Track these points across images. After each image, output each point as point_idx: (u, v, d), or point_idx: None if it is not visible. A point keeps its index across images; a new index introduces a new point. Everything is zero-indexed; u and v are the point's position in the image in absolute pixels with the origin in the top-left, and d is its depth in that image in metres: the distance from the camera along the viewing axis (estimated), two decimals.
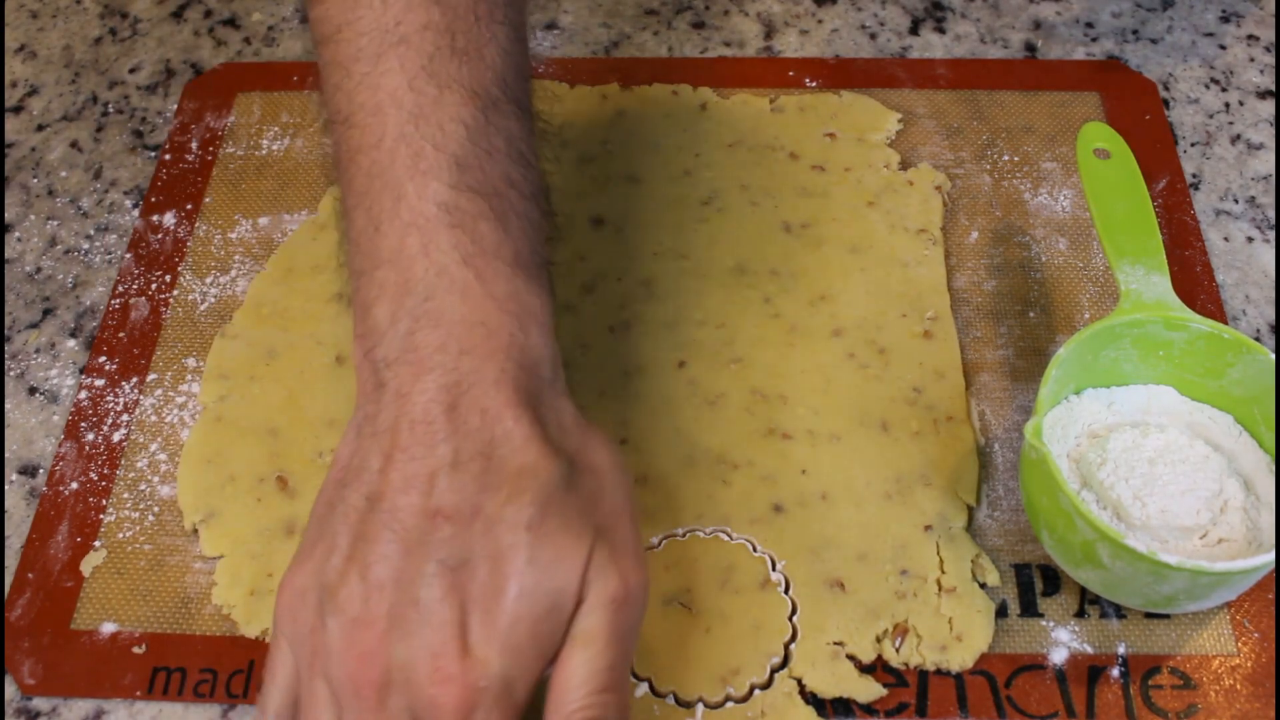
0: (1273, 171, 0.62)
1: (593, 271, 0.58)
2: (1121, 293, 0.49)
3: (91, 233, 0.62)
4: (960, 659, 0.46)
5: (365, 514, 0.38)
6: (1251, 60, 0.67)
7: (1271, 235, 0.59)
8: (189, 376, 0.56)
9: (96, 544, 0.51)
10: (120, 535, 0.51)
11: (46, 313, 0.59)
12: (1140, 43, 0.68)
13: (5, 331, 0.59)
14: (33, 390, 0.56)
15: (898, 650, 0.47)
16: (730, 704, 0.46)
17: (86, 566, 0.50)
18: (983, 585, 0.48)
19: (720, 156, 0.62)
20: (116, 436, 0.54)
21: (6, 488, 0.53)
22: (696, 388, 0.54)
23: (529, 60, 0.46)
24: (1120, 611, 0.48)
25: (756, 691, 0.46)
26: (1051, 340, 0.55)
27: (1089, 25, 0.69)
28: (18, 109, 0.68)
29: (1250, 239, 0.59)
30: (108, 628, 0.49)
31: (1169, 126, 0.64)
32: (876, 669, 0.47)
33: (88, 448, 0.54)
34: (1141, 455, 0.47)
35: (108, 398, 0.55)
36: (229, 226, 0.61)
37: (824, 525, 0.50)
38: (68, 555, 0.51)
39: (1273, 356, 0.47)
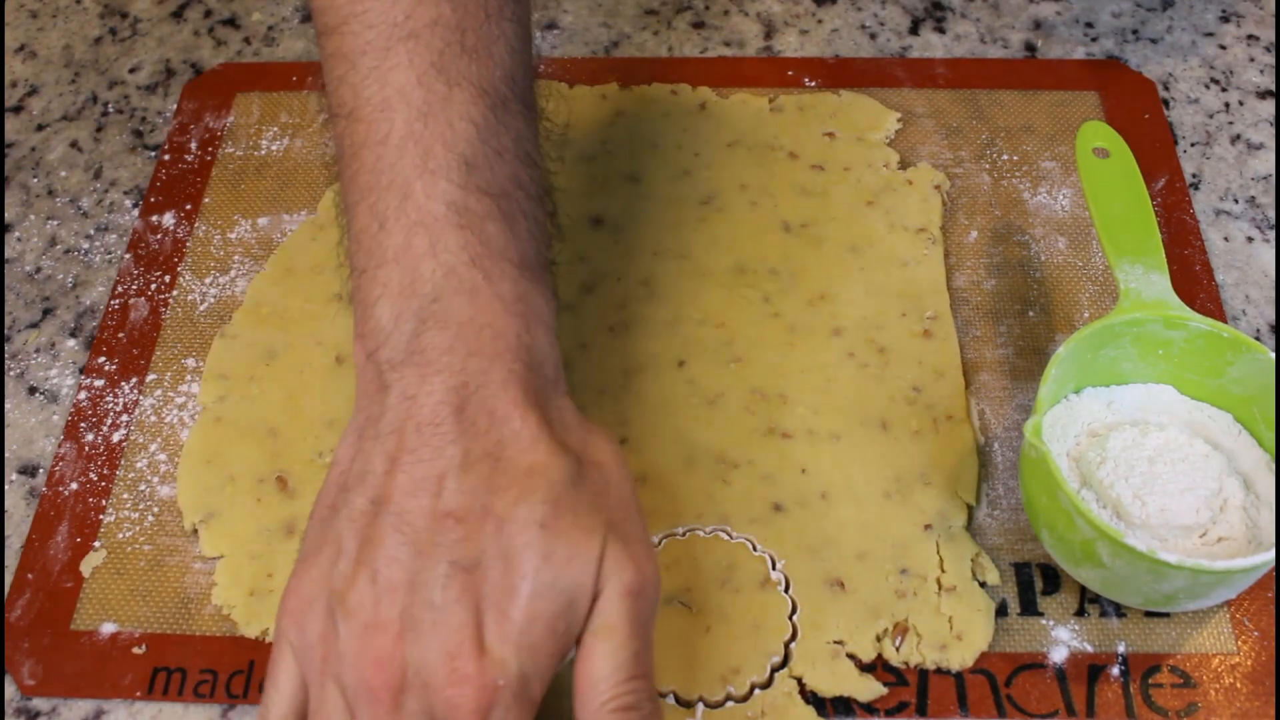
0: (1273, 171, 0.62)
1: (593, 271, 0.58)
2: (1121, 292, 0.49)
3: (91, 233, 0.62)
4: (960, 658, 0.46)
5: (372, 518, 0.38)
6: (1251, 60, 0.67)
7: (1271, 235, 0.59)
8: (189, 377, 0.56)
9: (96, 544, 0.51)
10: (120, 535, 0.51)
11: (46, 313, 0.59)
12: (1140, 42, 0.68)
13: (5, 331, 0.59)
14: (33, 390, 0.56)
15: (898, 649, 0.47)
16: (730, 703, 0.46)
17: (86, 567, 0.50)
18: (983, 584, 0.48)
19: (720, 156, 0.62)
20: (116, 437, 0.54)
21: (6, 488, 0.53)
22: (696, 387, 0.54)
23: (534, 58, 0.46)
24: (1120, 610, 0.48)
25: (757, 691, 0.46)
26: (1051, 339, 0.55)
27: (1089, 25, 0.69)
28: (18, 109, 0.68)
29: (1250, 239, 0.59)
30: (108, 628, 0.49)
31: (1169, 126, 0.64)
32: (876, 668, 0.47)
33: (87, 448, 0.54)
34: (1141, 454, 0.47)
35: (107, 398, 0.55)
36: (228, 227, 0.61)
37: (824, 524, 0.50)
38: (67, 555, 0.51)
39: (1272, 355, 0.47)
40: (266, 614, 0.48)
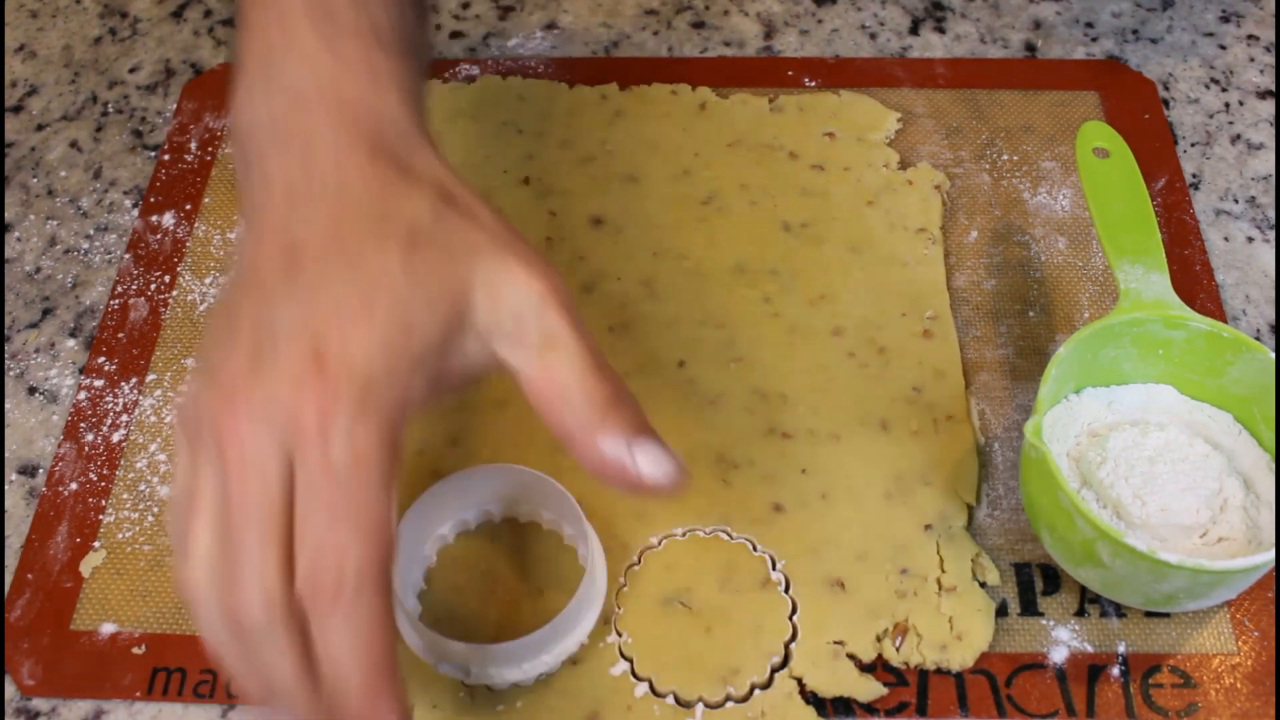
0: (1273, 171, 0.62)
1: (593, 271, 0.58)
2: (1121, 292, 0.49)
3: (91, 233, 0.62)
4: (960, 658, 0.46)
5: (236, 294, 0.39)
6: (1251, 60, 0.67)
7: (1271, 235, 0.59)
8: (189, 377, 0.56)
9: (96, 544, 0.51)
10: (120, 535, 0.51)
11: (46, 313, 0.59)
12: (1140, 43, 0.68)
13: (5, 331, 0.59)
14: (32, 390, 0.56)
15: (898, 649, 0.47)
16: (730, 704, 0.46)
17: (86, 567, 0.50)
18: (983, 584, 0.48)
19: (720, 156, 0.62)
20: (116, 437, 0.54)
21: (6, 488, 0.53)
22: (696, 387, 0.54)
23: None
24: (1120, 610, 0.48)
25: (757, 691, 0.46)
26: (1051, 339, 0.55)
27: (1089, 25, 0.69)
28: (18, 109, 0.68)
29: (1250, 239, 0.59)
30: (107, 628, 0.49)
31: (1169, 126, 0.64)
32: (877, 668, 0.47)
33: (87, 448, 0.54)
34: (1141, 454, 0.47)
35: (107, 398, 0.55)
36: (228, 227, 0.61)
37: (824, 525, 0.50)
38: (67, 556, 0.51)
39: (1272, 355, 0.47)
40: None
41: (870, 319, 0.56)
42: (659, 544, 0.49)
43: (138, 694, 0.47)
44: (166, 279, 0.59)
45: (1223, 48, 0.68)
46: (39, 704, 0.47)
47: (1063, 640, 0.47)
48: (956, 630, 0.47)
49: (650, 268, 0.58)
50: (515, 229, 0.41)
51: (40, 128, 0.67)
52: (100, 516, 0.52)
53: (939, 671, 0.47)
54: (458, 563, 0.49)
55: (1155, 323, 0.49)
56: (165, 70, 0.69)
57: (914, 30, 0.69)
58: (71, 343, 0.58)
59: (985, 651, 0.47)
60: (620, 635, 0.47)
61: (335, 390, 0.35)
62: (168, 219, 0.62)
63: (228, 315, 0.38)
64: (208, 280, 0.59)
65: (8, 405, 0.56)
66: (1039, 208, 0.60)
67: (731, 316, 0.56)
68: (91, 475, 0.53)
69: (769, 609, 0.48)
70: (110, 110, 0.68)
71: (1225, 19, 0.69)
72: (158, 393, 0.55)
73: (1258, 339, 0.55)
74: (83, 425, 0.54)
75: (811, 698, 0.46)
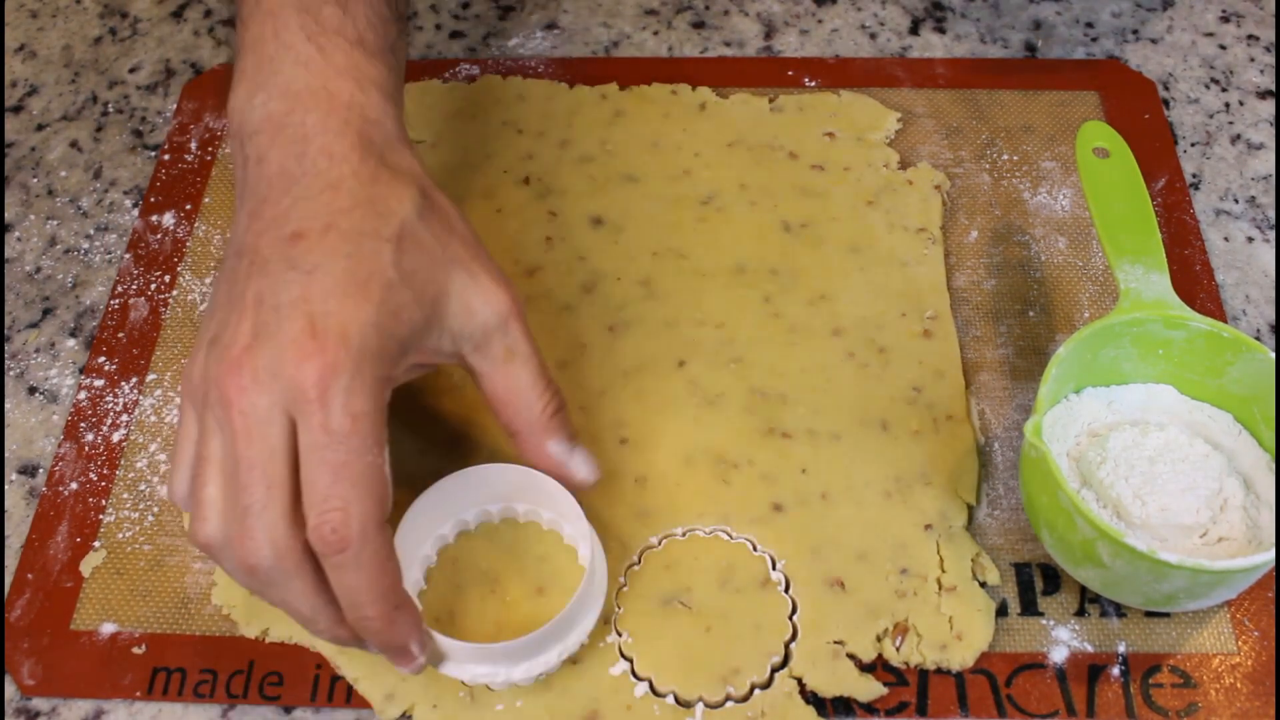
0: (1273, 171, 0.62)
1: (593, 271, 0.58)
2: (1121, 291, 0.49)
3: (91, 233, 0.62)
4: (960, 658, 0.46)
5: (239, 272, 0.42)
6: (1251, 60, 0.67)
7: (1271, 235, 0.59)
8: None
9: (96, 544, 0.51)
10: (120, 535, 0.51)
11: (46, 313, 0.59)
12: (1140, 43, 0.68)
13: (5, 331, 0.59)
14: (32, 390, 0.56)
15: (898, 649, 0.47)
16: (730, 703, 0.46)
17: (86, 567, 0.50)
18: (983, 584, 0.48)
19: (719, 156, 0.62)
20: (116, 437, 0.54)
21: (6, 488, 0.53)
22: (696, 387, 0.54)
23: None
24: (1120, 610, 0.48)
25: (757, 691, 0.46)
26: (1051, 339, 0.55)
27: (1089, 25, 0.69)
28: (18, 109, 0.68)
29: (1250, 239, 0.59)
30: (107, 628, 0.49)
31: (1169, 126, 0.64)
32: (877, 668, 0.47)
33: (87, 448, 0.54)
34: (1141, 454, 0.47)
35: (107, 398, 0.55)
36: (228, 226, 0.61)
37: (824, 524, 0.50)
38: (67, 555, 0.51)
39: (1272, 355, 0.47)
40: (267, 614, 0.48)
41: (870, 319, 0.56)
42: (659, 544, 0.49)
43: (138, 694, 0.47)
44: (166, 279, 0.59)
45: (1223, 48, 0.68)
46: (39, 704, 0.47)
47: (1063, 640, 0.47)
48: (956, 630, 0.47)
49: (650, 268, 0.58)
50: (480, 239, 0.45)
51: (40, 128, 0.67)
52: (100, 516, 0.52)
53: (939, 671, 0.47)
54: (458, 563, 0.49)
55: (1155, 323, 0.49)
56: (165, 70, 0.69)
57: (914, 30, 0.69)
58: (71, 343, 0.58)
59: (985, 651, 0.47)
60: (620, 635, 0.47)
61: (334, 359, 0.39)
62: (168, 219, 0.62)
63: (229, 291, 0.42)
64: (208, 280, 0.59)
65: (8, 405, 0.56)
66: (1039, 208, 0.60)
67: (731, 316, 0.56)
68: (91, 475, 0.53)
69: (769, 609, 0.48)
70: (110, 110, 0.68)
71: (1225, 19, 0.69)
72: (158, 392, 0.55)
73: (1258, 339, 0.55)
74: (83, 425, 0.54)
75: (811, 697, 0.46)
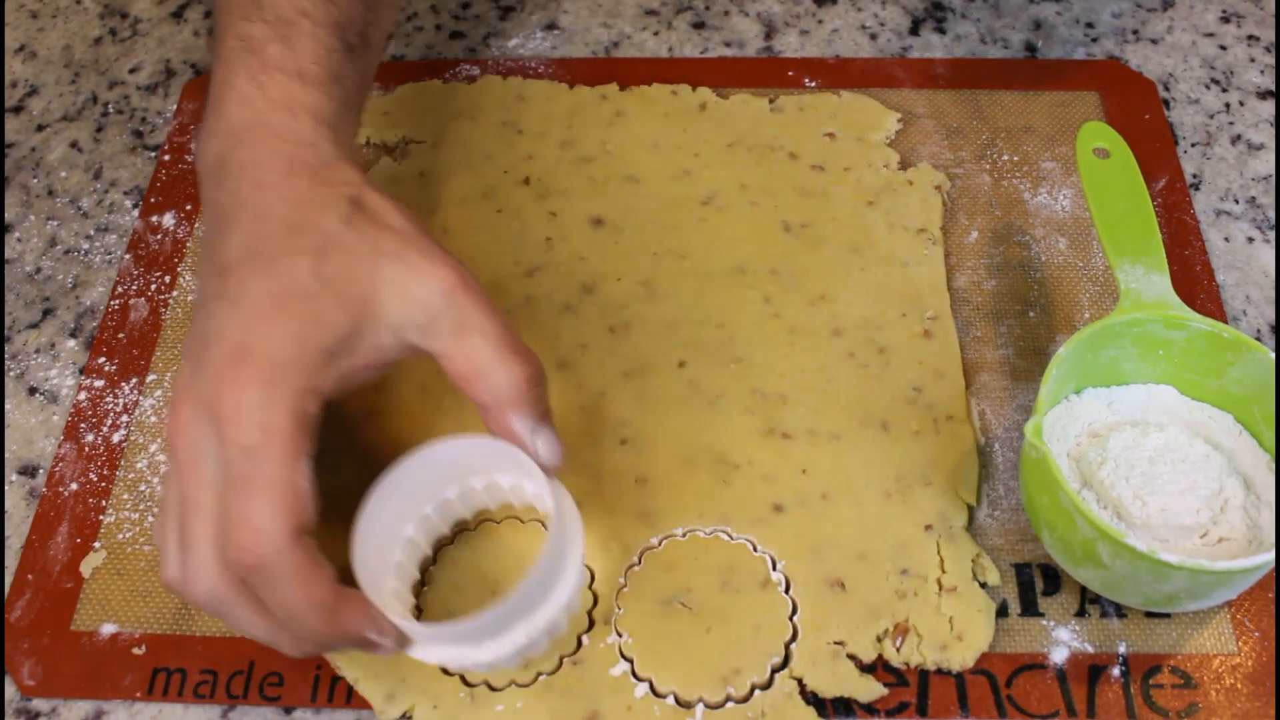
0: (1273, 172, 0.62)
1: (593, 271, 0.58)
2: (1121, 292, 0.49)
3: (91, 233, 0.62)
4: (961, 658, 0.46)
5: (193, 320, 0.44)
6: (1251, 60, 0.67)
7: (1271, 235, 0.59)
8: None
9: (96, 545, 0.51)
10: (120, 536, 0.51)
11: (46, 313, 0.59)
12: (1140, 43, 0.68)
13: (5, 331, 0.59)
14: (33, 390, 0.56)
15: (898, 650, 0.47)
16: (730, 704, 0.46)
17: (86, 567, 0.50)
18: (983, 585, 0.48)
19: (720, 156, 0.62)
20: (116, 437, 0.54)
21: (6, 488, 0.53)
22: (697, 388, 0.54)
23: None
24: (1121, 611, 0.48)
25: (757, 691, 0.46)
26: (1051, 340, 0.55)
27: (1089, 25, 0.69)
28: (18, 109, 0.68)
29: (1250, 239, 0.59)
30: (107, 629, 0.49)
31: (1169, 126, 0.64)
32: (877, 668, 0.47)
33: (87, 448, 0.54)
34: (1141, 454, 0.47)
35: (107, 398, 0.55)
36: None
37: (824, 525, 0.50)
38: (67, 556, 0.51)
39: (1273, 356, 0.47)
40: None
41: (870, 319, 0.56)
42: (659, 544, 0.49)
43: (138, 694, 0.47)
44: (167, 279, 0.59)
45: (1223, 48, 0.68)
46: (39, 704, 0.47)
47: (1063, 640, 0.47)
48: (957, 630, 0.47)
49: (650, 268, 0.58)
50: (425, 229, 0.45)
51: (40, 128, 0.67)
52: (100, 517, 0.52)
53: (939, 672, 0.47)
54: (458, 563, 0.49)
55: (1156, 323, 0.49)
56: (165, 70, 0.69)
57: (914, 30, 0.69)
58: (72, 343, 0.58)
59: (985, 652, 0.47)
60: (620, 635, 0.47)
61: (248, 377, 0.40)
62: (168, 219, 0.62)
63: (186, 340, 0.44)
64: None
65: (8, 405, 0.56)
66: (1039, 208, 0.60)
67: (731, 316, 0.56)
68: (92, 475, 0.53)
69: (769, 609, 0.48)
70: (110, 110, 0.68)
71: (1225, 19, 0.69)
72: (158, 393, 0.55)
73: (1258, 339, 0.55)
74: (83, 425, 0.54)
75: (812, 698, 0.46)
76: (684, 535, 0.50)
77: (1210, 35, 0.68)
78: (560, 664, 0.47)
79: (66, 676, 0.48)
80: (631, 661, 0.47)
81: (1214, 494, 0.46)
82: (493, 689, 0.46)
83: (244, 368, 0.40)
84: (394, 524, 0.47)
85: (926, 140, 0.63)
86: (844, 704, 0.46)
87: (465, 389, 0.44)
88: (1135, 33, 0.68)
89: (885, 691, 0.46)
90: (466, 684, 0.46)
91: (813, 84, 0.66)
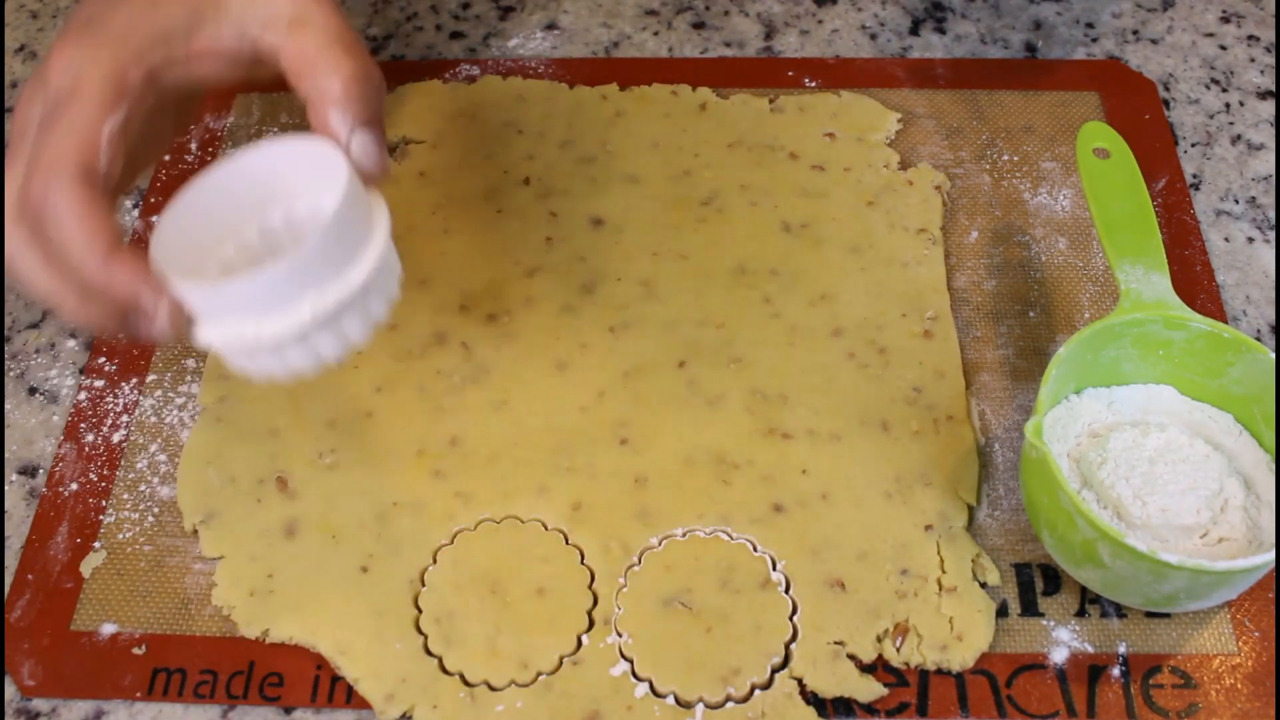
0: (1273, 172, 0.62)
1: (593, 271, 0.58)
2: (1121, 292, 0.49)
3: None
4: (961, 658, 0.46)
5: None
6: (1251, 60, 0.67)
7: (1272, 235, 0.59)
8: (189, 377, 0.56)
9: (96, 545, 0.51)
10: (120, 536, 0.51)
11: (46, 313, 0.59)
12: (1140, 43, 0.68)
13: (5, 331, 0.59)
14: (33, 390, 0.56)
15: (898, 650, 0.47)
16: (730, 704, 0.46)
17: (86, 567, 0.50)
18: (983, 585, 0.48)
19: (720, 156, 0.62)
20: (116, 437, 0.54)
21: (6, 488, 0.53)
22: (697, 388, 0.54)
23: None
24: (1121, 611, 0.48)
25: (757, 691, 0.46)
26: (1051, 340, 0.55)
27: (1089, 25, 0.69)
28: None
29: (1250, 239, 0.59)
30: (107, 629, 0.49)
31: (1169, 126, 0.64)
32: (877, 668, 0.47)
33: (87, 448, 0.54)
34: (1142, 454, 0.47)
35: (107, 398, 0.55)
36: None
37: (824, 525, 0.50)
38: (67, 556, 0.51)
39: (1273, 356, 0.47)
40: (267, 615, 0.48)
41: (870, 319, 0.56)
42: (659, 544, 0.49)
43: (138, 694, 0.47)
44: None
45: (1223, 48, 0.68)
46: (39, 704, 0.47)
47: (1063, 641, 0.47)
48: (957, 630, 0.47)
49: (650, 268, 0.58)
50: None
51: None
52: (100, 517, 0.52)
53: (939, 672, 0.47)
54: (458, 563, 0.49)
55: (1156, 323, 0.49)
56: None
57: (914, 30, 0.69)
58: (72, 343, 0.58)
59: (985, 652, 0.47)
60: (620, 635, 0.47)
61: (77, 42, 0.43)
62: None
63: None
64: None
65: (8, 405, 0.56)
66: (1039, 208, 0.60)
67: (731, 316, 0.56)
68: (92, 476, 0.53)
69: (769, 609, 0.48)
70: None
71: (1225, 19, 0.69)
72: (158, 393, 0.55)
73: (1258, 339, 0.55)
74: (83, 426, 0.54)
75: (812, 698, 0.46)
76: (684, 535, 0.50)
77: (1210, 35, 0.68)
78: (560, 664, 0.47)
79: (66, 676, 0.48)
80: (631, 661, 0.47)
81: (1214, 494, 0.46)
82: (493, 689, 0.46)
83: (80, 36, 0.43)
84: (207, 238, 0.45)
85: (926, 140, 0.63)
86: (844, 704, 0.46)
87: (295, 84, 0.44)
88: (1135, 33, 0.68)
89: (885, 691, 0.46)
90: (466, 684, 0.46)
91: (813, 84, 0.66)
